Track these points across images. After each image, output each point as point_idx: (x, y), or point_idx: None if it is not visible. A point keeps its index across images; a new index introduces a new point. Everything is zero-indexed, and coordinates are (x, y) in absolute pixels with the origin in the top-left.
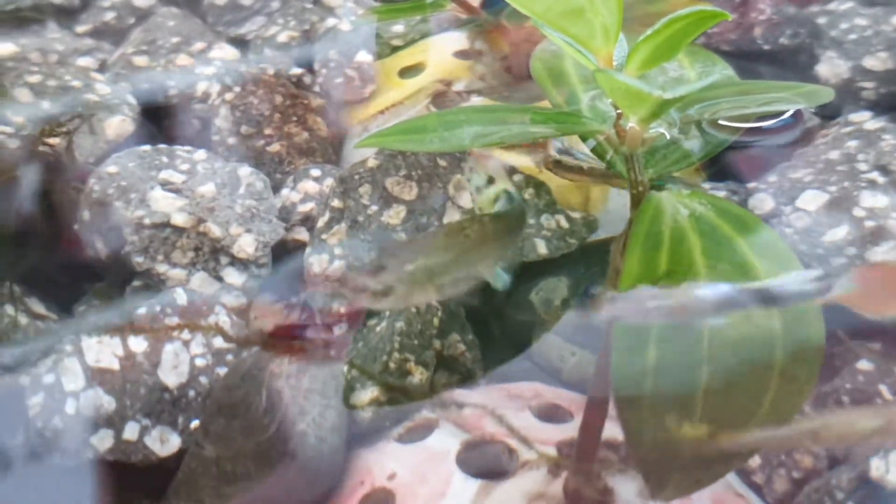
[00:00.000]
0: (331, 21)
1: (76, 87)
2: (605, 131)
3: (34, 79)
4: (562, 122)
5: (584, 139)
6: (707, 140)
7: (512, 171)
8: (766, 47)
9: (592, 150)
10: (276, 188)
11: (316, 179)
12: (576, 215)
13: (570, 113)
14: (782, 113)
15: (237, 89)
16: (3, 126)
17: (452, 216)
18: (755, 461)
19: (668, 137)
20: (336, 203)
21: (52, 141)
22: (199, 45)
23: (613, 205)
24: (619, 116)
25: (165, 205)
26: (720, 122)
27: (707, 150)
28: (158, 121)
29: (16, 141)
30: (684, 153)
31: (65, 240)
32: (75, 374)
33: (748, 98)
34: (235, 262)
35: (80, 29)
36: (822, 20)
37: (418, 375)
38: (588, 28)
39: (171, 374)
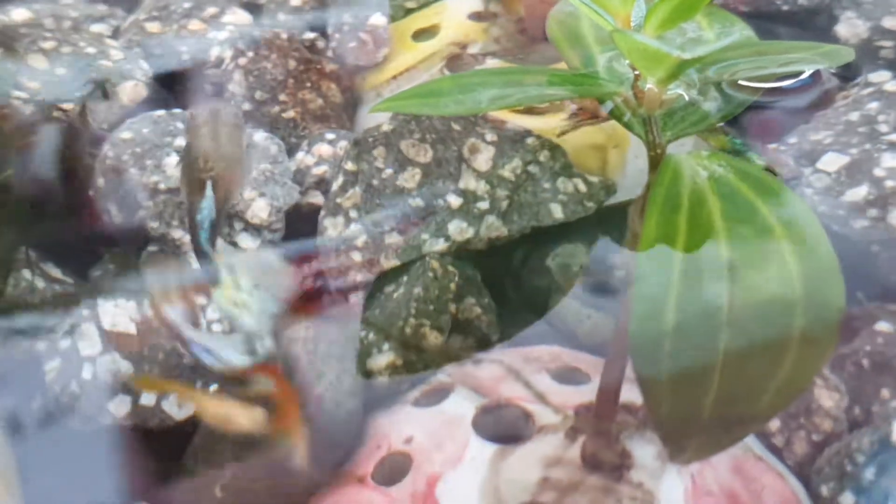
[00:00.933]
0: None
1: (90, 53)
2: (622, 93)
3: (48, 45)
4: (579, 83)
5: (601, 101)
6: (726, 101)
7: (526, 133)
8: (785, 8)
9: (610, 112)
10: (290, 152)
11: (330, 143)
12: (593, 179)
13: (587, 74)
14: (801, 73)
15: (250, 54)
16: (18, 91)
17: (468, 179)
18: (774, 424)
19: (687, 99)
20: (350, 166)
21: (66, 107)
22: (211, 10)
23: (631, 168)
24: (636, 78)
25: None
26: (739, 82)
27: (726, 111)
28: (172, 86)
29: (31, 107)
30: (703, 114)
31: (80, 206)
32: (92, 338)
33: (767, 58)
34: (249, 227)
35: None
36: None
37: (433, 339)
38: None
39: None
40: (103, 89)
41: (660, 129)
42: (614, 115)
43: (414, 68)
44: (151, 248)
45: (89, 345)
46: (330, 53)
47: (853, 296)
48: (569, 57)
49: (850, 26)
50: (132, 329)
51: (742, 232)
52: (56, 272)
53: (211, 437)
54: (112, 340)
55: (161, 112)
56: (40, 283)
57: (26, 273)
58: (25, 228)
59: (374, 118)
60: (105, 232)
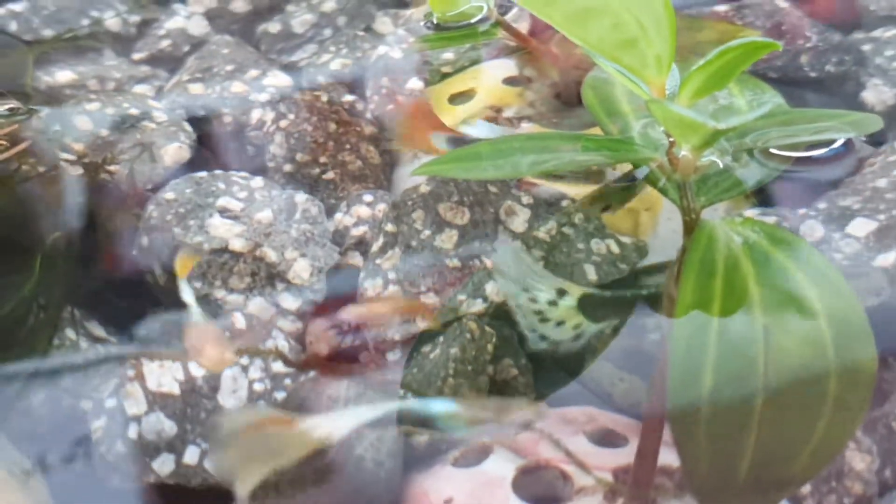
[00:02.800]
0: (382, 49)
1: (134, 114)
2: (658, 159)
3: (93, 106)
4: (614, 149)
5: (636, 166)
6: (759, 168)
7: (561, 196)
8: (813, 74)
9: (645, 178)
10: (329, 212)
11: (369, 204)
12: (626, 240)
13: (622, 140)
14: (833, 141)
15: (291, 116)
16: (65, 154)
17: (504, 240)
18: (806, 487)
19: (721, 165)
20: (390, 228)
21: (112, 168)
22: (253, 73)
23: (663, 230)
24: (671, 145)
25: (224, 231)
26: (771, 150)
27: (758, 179)
28: (214, 147)
29: (78, 168)
30: (736, 181)
31: (124, 265)
32: (137, 398)
33: (798, 127)
34: (291, 287)
35: (137, 56)
36: (866, 47)
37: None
38: (641, 58)
39: (231, 399)
40: (149, 151)
41: (694, 195)
42: (649, 180)
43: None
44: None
45: (134, 404)
46: (368, 115)
47: (884, 359)
48: (604, 122)
49: (877, 93)
50: (176, 390)
51: (776, 297)
52: (100, 331)
53: (253, 496)
54: (157, 400)
55: (203, 173)
56: (84, 343)
57: (70, 332)
58: (71, 286)
59: (411, 178)
60: (149, 291)
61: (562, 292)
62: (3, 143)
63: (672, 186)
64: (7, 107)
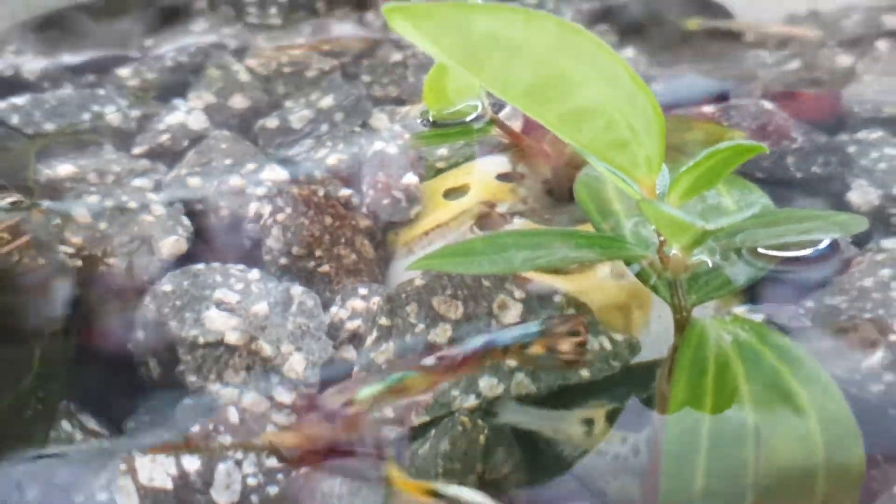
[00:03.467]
0: (378, 144)
1: (132, 207)
2: (649, 257)
3: (92, 199)
4: (606, 246)
5: (627, 263)
6: (747, 267)
7: (553, 291)
8: (799, 175)
9: (637, 275)
10: (324, 306)
11: (363, 297)
12: (618, 337)
13: (614, 238)
14: (819, 241)
15: (288, 210)
16: (64, 247)
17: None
18: None
19: (711, 264)
20: (384, 321)
21: (111, 261)
22: (250, 167)
23: (655, 327)
24: (662, 243)
25: (220, 323)
26: (759, 250)
27: (748, 278)
28: (211, 240)
29: (77, 261)
30: (726, 280)
31: (120, 358)
32: (129, 492)
33: (785, 227)
34: (285, 380)
35: (137, 150)
36: (852, 149)
37: None
38: (632, 159)
39: (224, 494)
40: (147, 244)
41: (685, 294)
42: (640, 277)
43: (445, 225)
44: (188, 400)
45: (126, 499)
46: (364, 210)
47: (872, 458)
48: (595, 219)
49: (863, 193)
50: (168, 484)
51: (766, 396)
52: (93, 424)
53: None
54: (148, 495)
55: (201, 266)
56: (78, 436)
57: (66, 424)
58: (69, 380)
59: (405, 272)
60: (142, 383)
61: None
62: (5, 236)
63: (663, 284)
64: (9, 200)
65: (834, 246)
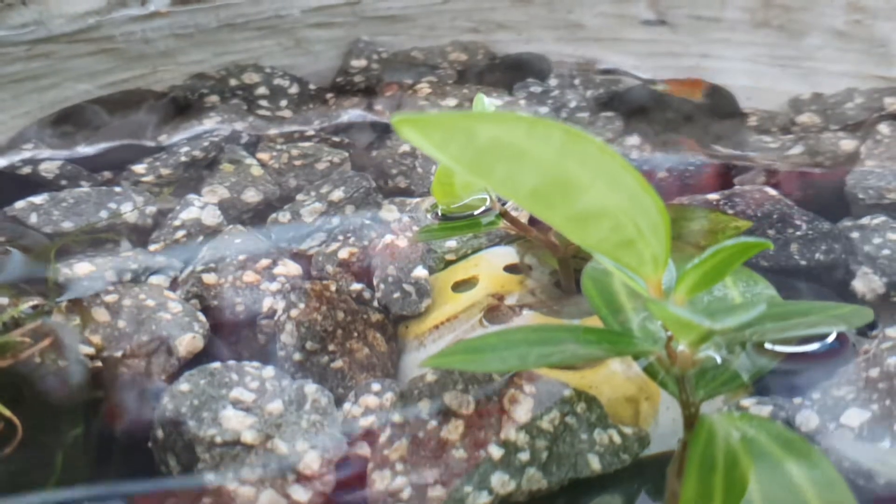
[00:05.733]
0: (388, 237)
1: (150, 305)
2: (656, 352)
3: (110, 298)
4: (614, 342)
5: (635, 358)
6: (754, 362)
7: (563, 385)
8: (803, 263)
9: (645, 369)
10: (338, 401)
11: (376, 394)
12: (627, 430)
13: (622, 333)
14: (826, 335)
15: (301, 306)
16: (85, 347)
17: (508, 430)
18: None
19: (718, 360)
20: (397, 418)
21: (130, 362)
22: (264, 262)
23: (663, 419)
24: (669, 339)
25: (236, 423)
26: (766, 345)
27: (755, 371)
28: (226, 336)
29: (97, 362)
30: (733, 374)
31: (140, 457)
32: None
33: (791, 322)
34: (301, 478)
35: (153, 247)
36: (855, 235)
37: None
38: (638, 258)
39: None
40: (164, 343)
41: (693, 389)
42: (648, 372)
43: (455, 318)
44: (206, 499)
45: None
46: (375, 303)
47: None
48: (603, 313)
49: (867, 281)
50: None
51: (774, 493)
52: None
53: None
54: None
55: (217, 364)
56: None
57: None
58: (89, 483)
59: (415, 368)
60: (164, 484)
61: None
62: (27, 340)
63: (671, 380)
64: (31, 304)
65: (841, 338)
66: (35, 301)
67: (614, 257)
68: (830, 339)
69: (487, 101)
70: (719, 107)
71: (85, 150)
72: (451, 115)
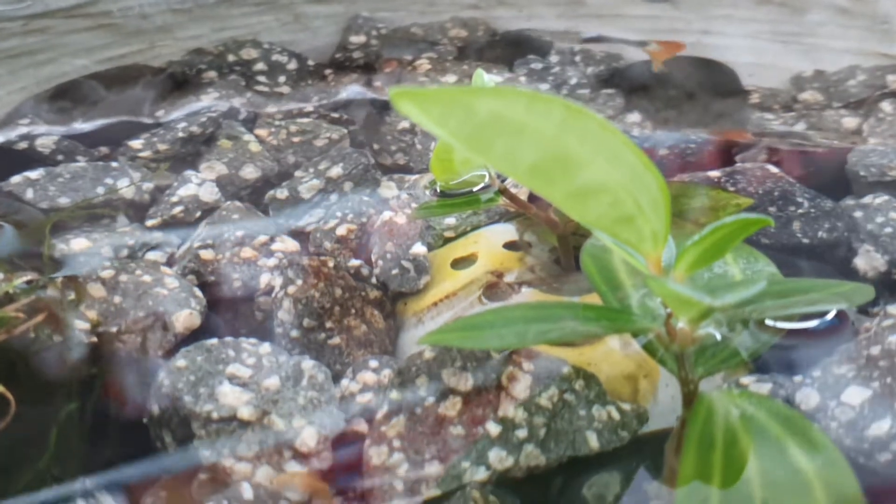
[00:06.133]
0: (387, 214)
1: (147, 281)
2: (656, 329)
3: (107, 273)
4: (613, 319)
5: (634, 335)
6: (754, 339)
7: (561, 362)
8: (805, 241)
9: (644, 346)
10: (335, 378)
11: (374, 370)
12: (626, 407)
13: (621, 311)
14: (826, 312)
15: (299, 282)
16: (80, 322)
17: (507, 407)
18: None
19: (718, 337)
20: (394, 395)
21: (126, 337)
22: (261, 239)
23: (662, 396)
24: (669, 316)
25: (233, 399)
26: (766, 322)
27: (755, 349)
28: (224, 312)
29: (93, 337)
30: (733, 351)
31: (136, 433)
32: None
33: (792, 299)
34: (298, 455)
35: (150, 223)
36: (857, 213)
37: None
38: (638, 234)
39: None
40: (161, 319)
41: (692, 367)
42: (648, 349)
43: (453, 295)
44: (202, 475)
45: None
46: (374, 280)
47: None
48: (602, 290)
49: (869, 259)
50: None
51: (773, 470)
52: (110, 502)
53: None
54: None
55: (214, 340)
56: None
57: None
58: (84, 458)
59: (414, 345)
60: (158, 458)
61: None
62: (22, 315)
63: (670, 357)
64: (25, 279)
65: (841, 315)
66: (29, 276)
67: (613, 233)
68: (830, 316)
69: (487, 78)
70: (721, 84)
71: (82, 126)
72: (450, 90)
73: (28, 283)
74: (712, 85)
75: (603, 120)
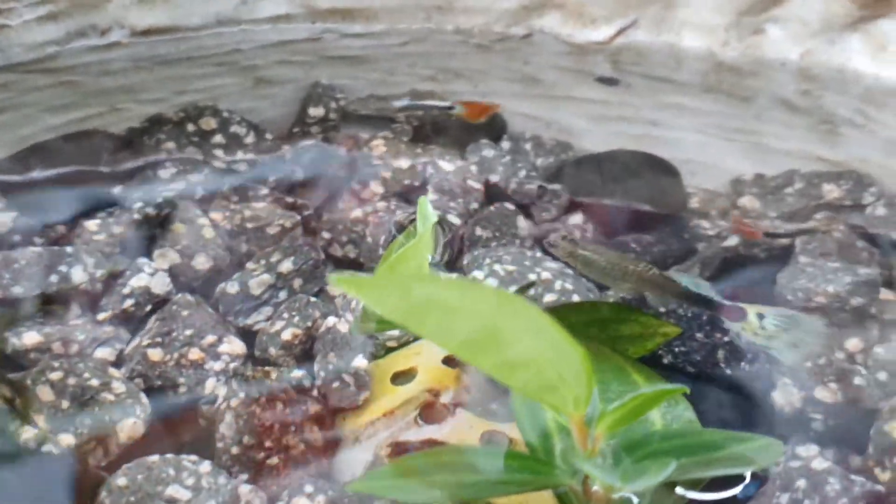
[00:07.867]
0: (331, 320)
1: (94, 385)
2: (574, 486)
3: (55, 375)
4: (535, 471)
5: (554, 487)
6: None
7: None
8: (728, 371)
9: (559, 497)
10: (271, 501)
11: (308, 496)
12: None
13: (544, 462)
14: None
15: (241, 395)
16: (25, 435)
17: None
18: None
19: (635, 501)
20: None
21: (71, 444)
22: (210, 339)
23: None
24: (586, 477)
25: None
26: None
27: None
28: (168, 419)
29: (42, 445)
30: None
31: None
32: None
33: (704, 458)
34: None
35: (101, 316)
36: None
37: None
38: (561, 399)
39: None
40: (105, 428)
41: None
42: (562, 501)
43: (391, 414)
44: None
45: None
46: (315, 393)
47: None
48: (528, 435)
49: (786, 394)
50: None
51: None
52: None
53: None
54: None
55: (155, 458)
56: None
57: None
58: None
59: (350, 465)
60: None
61: None
62: None
63: None
64: None
65: (761, 481)
66: None
67: (538, 399)
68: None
69: (430, 210)
70: (665, 189)
71: (38, 197)
72: (386, 278)
73: None
74: (660, 190)
75: (530, 304)
